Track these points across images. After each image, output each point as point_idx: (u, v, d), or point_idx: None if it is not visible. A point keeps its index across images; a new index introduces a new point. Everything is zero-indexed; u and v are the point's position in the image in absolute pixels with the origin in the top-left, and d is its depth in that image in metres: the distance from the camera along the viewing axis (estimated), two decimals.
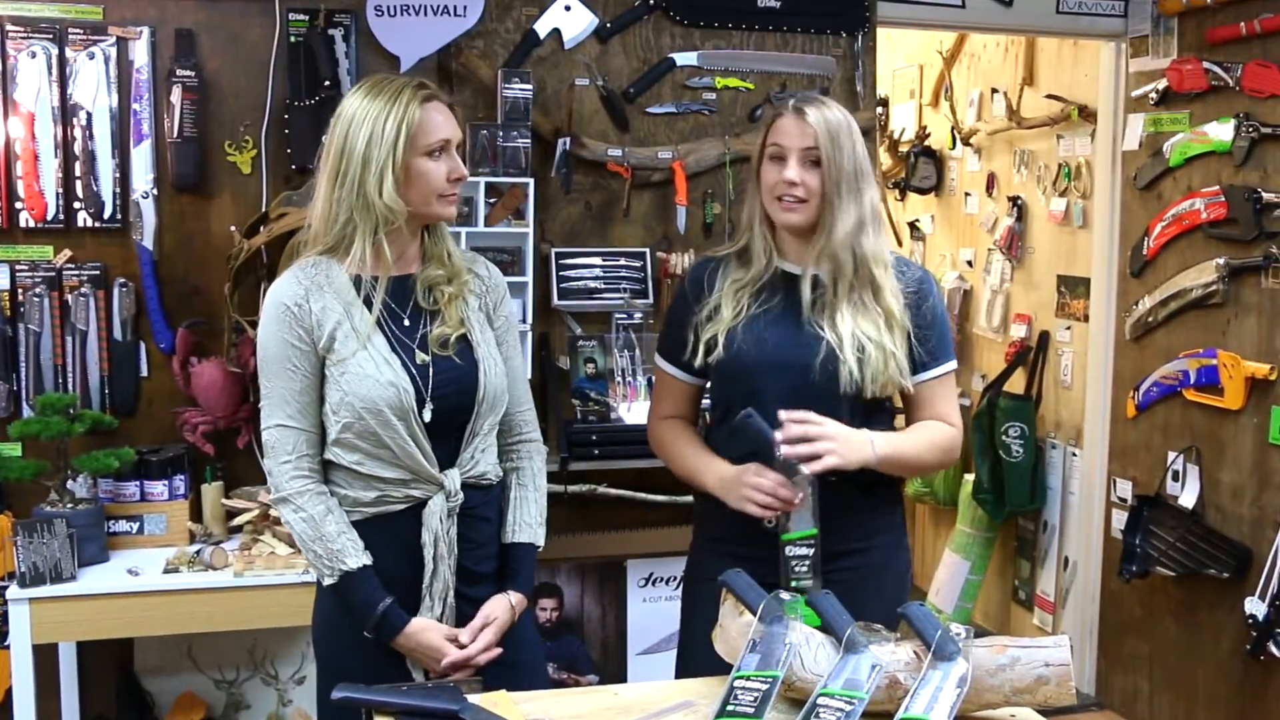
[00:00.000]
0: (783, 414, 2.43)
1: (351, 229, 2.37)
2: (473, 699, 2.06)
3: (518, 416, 2.63)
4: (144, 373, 3.70)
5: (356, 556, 2.38)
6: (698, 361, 2.64)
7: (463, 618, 2.47)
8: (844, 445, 2.45)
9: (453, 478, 2.44)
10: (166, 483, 3.52)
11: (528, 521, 2.59)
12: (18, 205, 3.55)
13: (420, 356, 2.42)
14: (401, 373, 2.38)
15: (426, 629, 2.42)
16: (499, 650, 2.46)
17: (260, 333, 2.42)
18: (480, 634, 2.45)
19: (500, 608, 2.50)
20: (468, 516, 2.48)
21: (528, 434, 2.67)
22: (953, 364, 2.69)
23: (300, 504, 2.39)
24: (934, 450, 2.63)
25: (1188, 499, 4.12)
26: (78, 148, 3.58)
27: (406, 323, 2.44)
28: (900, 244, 6.18)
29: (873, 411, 2.58)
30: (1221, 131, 4.00)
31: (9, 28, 3.53)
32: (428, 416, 2.40)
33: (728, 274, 2.67)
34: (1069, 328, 4.97)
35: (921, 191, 6.06)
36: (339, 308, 2.38)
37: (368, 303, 2.40)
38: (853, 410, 2.54)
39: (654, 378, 2.84)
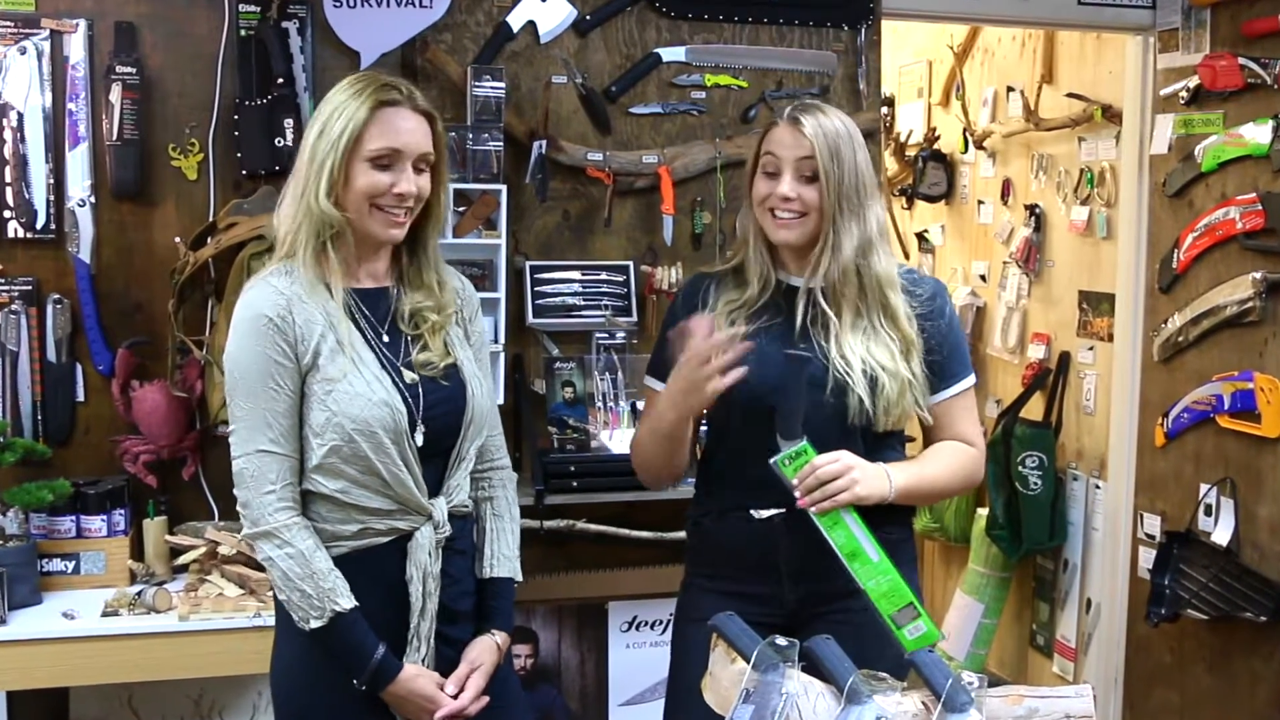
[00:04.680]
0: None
1: (298, 229, 2.39)
2: None
3: (490, 441, 2.64)
4: (80, 397, 3.68)
5: (348, 597, 2.36)
6: None
7: (441, 659, 2.47)
8: (863, 483, 2.46)
9: (440, 507, 2.44)
10: (105, 518, 3.51)
11: (506, 554, 2.61)
12: None
13: (409, 375, 2.43)
14: (394, 391, 2.38)
15: (419, 676, 2.41)
16: (487, 698, 2.47)
17: (233, 348, 2.39)
18: (469, 681, 2.45)
19: (485, 650, 2.51)
20: (447, 550, 2.48)
21: (499, 460, 2.68)
22: (971, 379, 2.71)
23: (287, 538, 2.35)
24: (955, 476, 2.67)
25: (1221, 535, 4.12)
26: (7, 151, 3.57)
27: (387, 339, 2.45)
28: (907, 257, 6.19)
29: (882, 442, 2.59)
30: (1258, 134, 4.01)
31: None
32: (420, 439, 2.40)
33: (722, 293, 2.69)
34: (1092, 348, 4.98)
35: (930, 199, 6.06)
36: (322, 319, 2.37)
37: (351, 315, 2.41)
38: (864, 441, 2.56)
39: (644, 398, 2.85)
